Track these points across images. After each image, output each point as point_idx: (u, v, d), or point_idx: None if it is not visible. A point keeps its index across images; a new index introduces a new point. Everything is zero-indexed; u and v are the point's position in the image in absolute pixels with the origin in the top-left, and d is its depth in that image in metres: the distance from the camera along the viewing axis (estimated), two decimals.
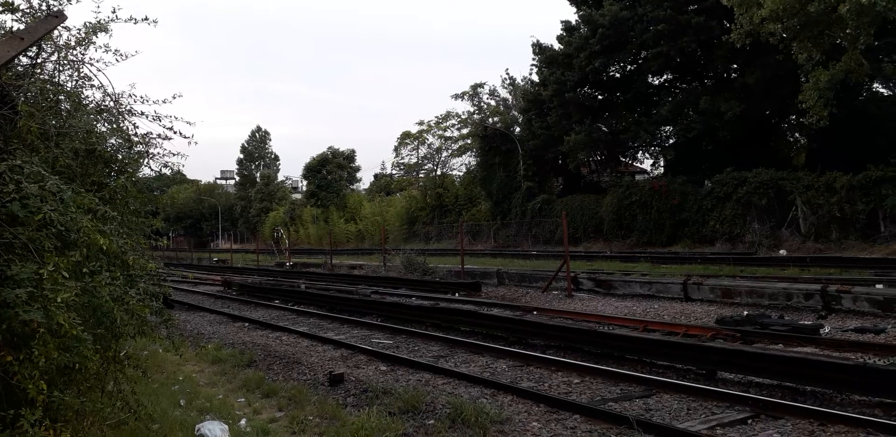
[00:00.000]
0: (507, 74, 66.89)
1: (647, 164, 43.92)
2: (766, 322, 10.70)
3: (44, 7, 5.04)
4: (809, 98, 21.00)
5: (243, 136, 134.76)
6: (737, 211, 27.95)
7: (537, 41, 38.09)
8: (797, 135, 34.98)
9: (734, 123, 28.53)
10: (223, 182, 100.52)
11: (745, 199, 27.52)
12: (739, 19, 21.32)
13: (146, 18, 5.56)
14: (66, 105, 5.12)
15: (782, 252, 24.04)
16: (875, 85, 29.66)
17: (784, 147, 34.46)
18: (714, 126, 29.36)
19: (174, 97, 5.82)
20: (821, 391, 6.81)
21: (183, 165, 6.18)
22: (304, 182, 69.86)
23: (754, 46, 25.54)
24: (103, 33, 5.30)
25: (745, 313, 11.83)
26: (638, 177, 42.68)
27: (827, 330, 10.38)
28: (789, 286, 13.19)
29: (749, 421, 6.15)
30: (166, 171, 6.07)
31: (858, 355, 8.51)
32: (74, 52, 5.24)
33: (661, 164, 40.55)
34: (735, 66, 31.72)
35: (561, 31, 36.58)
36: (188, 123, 5.73)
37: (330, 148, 64.53)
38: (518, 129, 42.70)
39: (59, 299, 3.44)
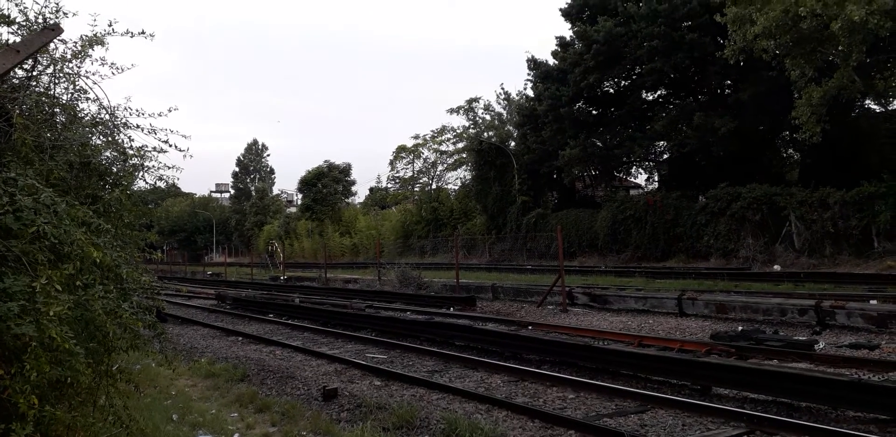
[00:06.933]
0: (503, 88, 67.46)
1: (641, 179, 44.19)
2: (760, 338, 10.68)
3: (40, 20, 5.06)
4: (802, 114, 21.17)
5: (239, 149, 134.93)
6: (731, 226, 28.00)
7: (532, 56, 38.42)
8: (791, 150, 35.19)
9: (728, 138, 28.68)
10: (218, 195, 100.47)
11: (739, 214, 27.57)
12: (733, 36, 21.55)
13: (142, 32, 5.59)
14: (61, 118, 5.13)
15: (776, 268, 24.07)
16: (867, 102, 29.91)
17: (778, 163, 34.62)
18: (708, 142, 29.51)
19: (169, 110, 5.84)
20: (816, 407, 6.79)
21: (178, 179, 6.18)
22: (300, 196, 69.79)
23: (748, 63, 25.86)
24: (99, 46, 5.32)
25: (740, 328, 11.81)
26: (632, 192, 42.81)
27: (821, 346, 10.37)
28: (784, 302, 13.19)
29: None
30: (161, 184, 6.07)
31: (853, 370, 8.49)
32: (70, 65, 5.26)
33: (656, 179, 40.77)
34: (728, 82, 31.96)
35: (556, 47, 36.86)
36: (183, 136, 5.74)
37: (326, 162, 64.60)
38: (513, 143, 42.89)
39: (51, 313, 3.42)
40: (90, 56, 5.33)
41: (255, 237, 70.90)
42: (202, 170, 75.20)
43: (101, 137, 5.44)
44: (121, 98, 5.89)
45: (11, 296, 3.40)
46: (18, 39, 4.77)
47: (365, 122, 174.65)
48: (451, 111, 57.04)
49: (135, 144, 5.58)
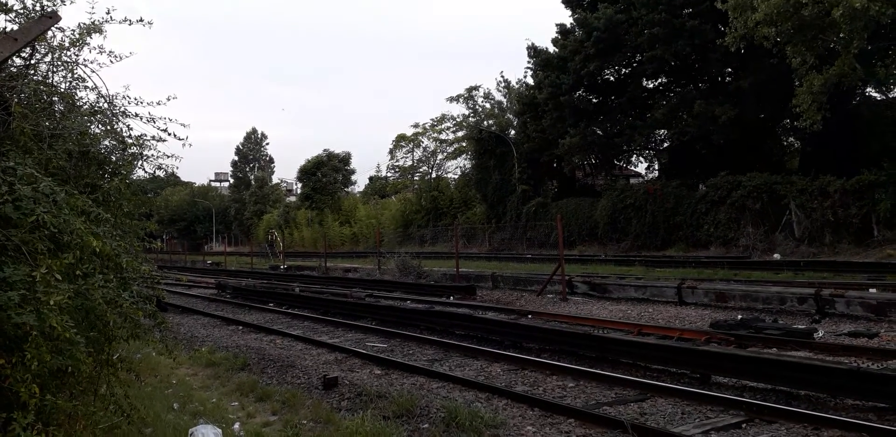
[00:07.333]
0: (502, 76, 67.11)
1: (641, 167, 44.10)
2: (760, 326, 10.71)
3: (38, 8, 5.03)
4: (803, 102, 21.08)
5: (238, 138, 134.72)
6: (731, 215, 27.97)
7: (532, 44, 38.13)
8: (791, 139, 35.11)
9: (728, 126, 28.59)
10: (217, 184, 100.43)
11: (740, 203, 27.54)
12: (734, 23, 21.41)
13: (141, 20, 5.54)
14: (59, 106, 5.10)
15: (776, 256, 24.07)
16: (868, 89, 29.79)
17: (778, 151, 34.52)
18: (708, 130, 29.41)
19: (168, 99, 5.79)
20: (815, 396, 6.82)
21: (177, 167, 6.16)
22: (299, 185, 69.74)
23: (748, 50, 25.68)
24: (97, 34, 5.28)
25: (740, 316, 11.84)
26: (632, 180, 42.78)
27: (821, 334, 10.40)
28: (783, 290, 13.21)
29: (743, 425, 6.15)
30: (160, 173, 6.05)
31: (852, 359, 8.52)
32: (68, 54, 5.22)
33: (656, 167, 40.67)
34: (729, 69, 31.82)
35: (556, 35, 36.60)
36: (182, 124, 5.70)
37: (325, 150, 64.49)
38: (513, 132, 42.77)
39: (51, 302, 3.41)
40: (88, 44, 5.29)
41: (255, 227, 70.92)
42: (201, 159, 74.82)
43: (100, 126, 5.41)
44: (119, 87, 5.86)
45: (12, 285, 3.40)
46: (16, 27, 4.73)
47: (364, 110, 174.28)
48: (451, 100, 56.88)
49: (134, 133, 5.55)
